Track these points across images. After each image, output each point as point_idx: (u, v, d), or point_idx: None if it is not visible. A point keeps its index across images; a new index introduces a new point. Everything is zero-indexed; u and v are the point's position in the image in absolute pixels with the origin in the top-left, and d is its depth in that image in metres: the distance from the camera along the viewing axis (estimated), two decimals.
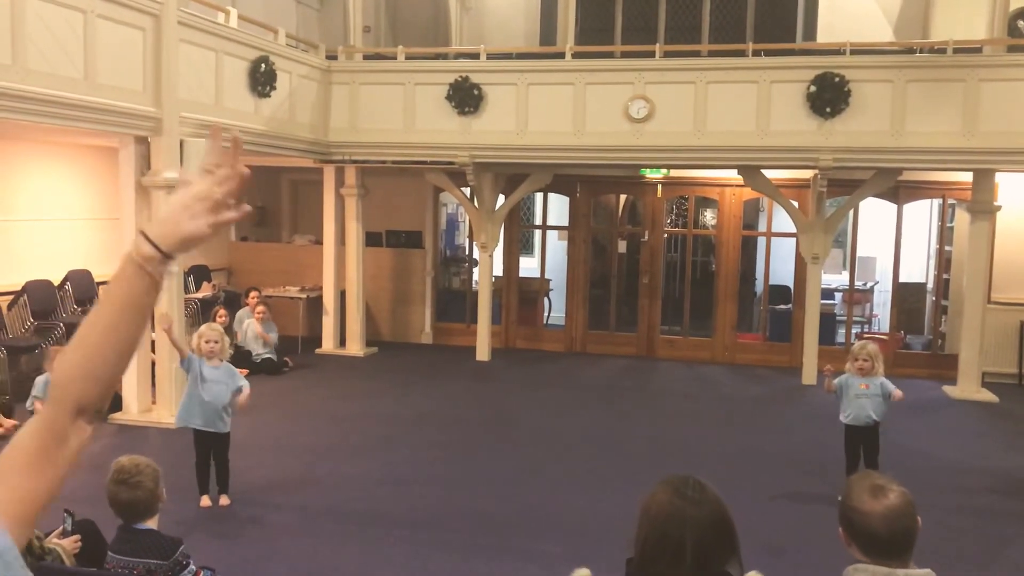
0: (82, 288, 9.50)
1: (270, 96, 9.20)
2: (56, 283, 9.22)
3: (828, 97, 9.19)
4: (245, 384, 5.78)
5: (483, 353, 11.14)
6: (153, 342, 7.87)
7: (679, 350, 11.66)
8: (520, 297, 12.28)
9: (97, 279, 9.75)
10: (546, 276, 12.55)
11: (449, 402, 8.92)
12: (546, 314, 12.77)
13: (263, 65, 9.00)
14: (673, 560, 1.96)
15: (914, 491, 2.23)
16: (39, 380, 7.38)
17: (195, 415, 5.65)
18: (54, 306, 9.10)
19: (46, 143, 9.27)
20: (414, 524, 5.48)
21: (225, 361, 5.77)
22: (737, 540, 2.04)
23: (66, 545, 3.51)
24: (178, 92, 7.69)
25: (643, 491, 2.14)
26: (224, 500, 5.75)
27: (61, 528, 3.66)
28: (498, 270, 12.03)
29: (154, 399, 7.83)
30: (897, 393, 5.86)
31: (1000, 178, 9.86)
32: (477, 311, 11.29)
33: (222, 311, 9.91)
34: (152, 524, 3.37)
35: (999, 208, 9.78)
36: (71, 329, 8.70)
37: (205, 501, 5.70)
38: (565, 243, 12.29)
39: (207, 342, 5.67)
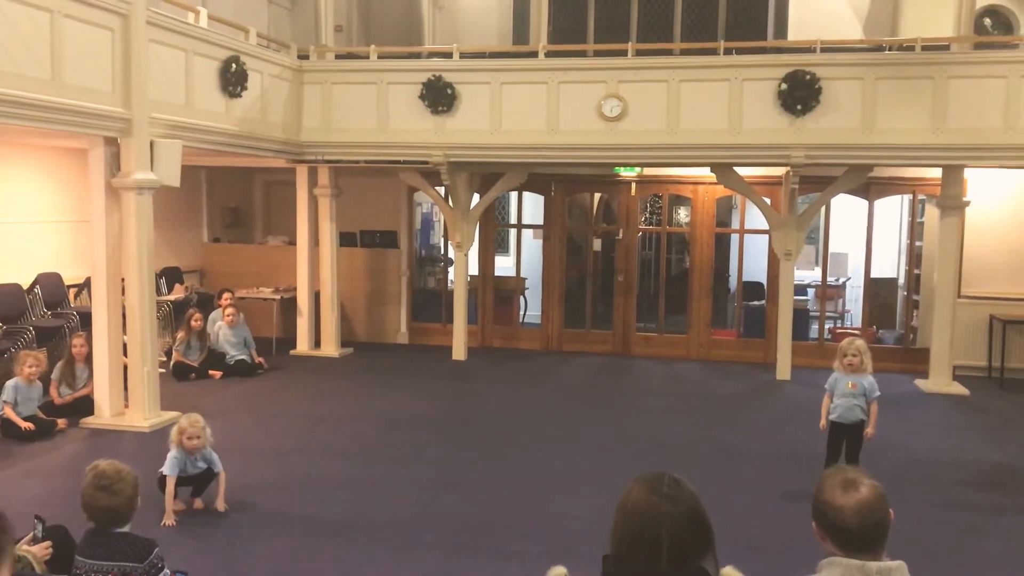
0: (52, 291, 9.38)
1: (241, 96, 9.13)
2: (25, 286, 9.09)
3: (799, 95, 9.26)
4: (219, 469, 5.72)
5: (459, 352, 11.12)
6: (125, 345, 7.80)
7: (654, 347, 11.71)
8: (496, 296, 12.28)
9: (67, 282, 9.64)
10: (522, 275, 12.56)
11: (426, 402, 8.89)
12: (522, 313, 12.78)
13: (234, 65, 8.93)
14: (650, 557, 1.97)
15: (887, 484, 2.24)
16: (8, 384, 7.31)
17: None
18: (23, 310, 8.98)
19: (13, 144, 9.14)
20: (392, 526, 5.46)
21: (205, 450, 5.65)
22: (713, 536, 2.05)
23: (36, 552, 3.46)
24: (148, 93, 7.61)
25: (620, 489, 2.15)
26: (199, 503, 5.71)
27: (31, 535, 3.61)
28: (474, 269, 12.02)
29: (127, 403, 7.75)
30: (870, 432, 6.02)
31: (969, 174, 9.99)
32: (453, 311, 11.28)
33: (197, 314, 9.84)
34: (124, 529, 3.34)
35: (968, 203, 9.92)
36: (40, 333, 8.62)
37: (178, 505, 5.65)
38: (540, 242, 12.30)
39: (189, 439, 5.52)
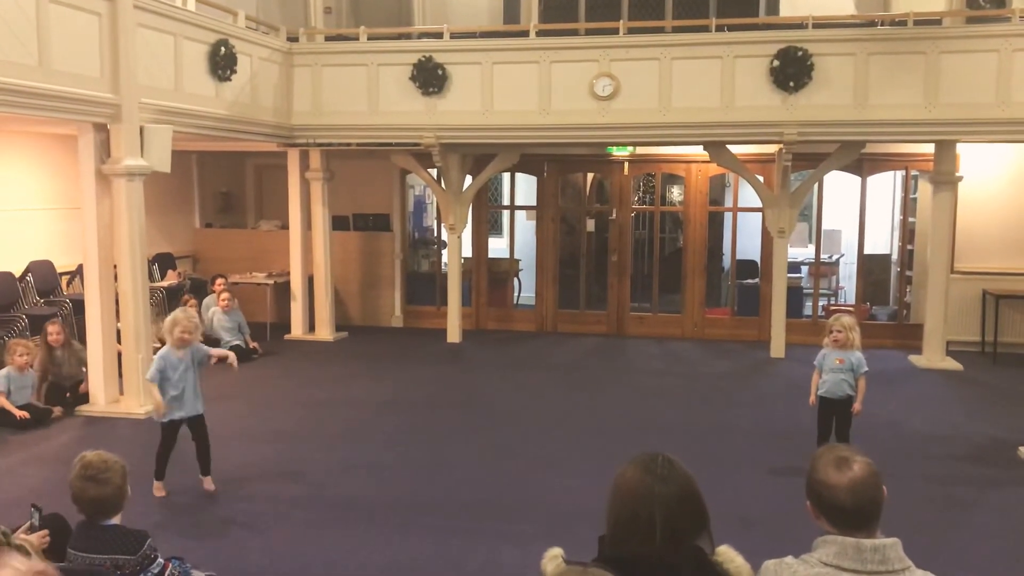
0: (44, 279, 9.36)
1: (231, 80, 9.07)
2: (17, 275, 9.06)
3: (791, 71, 9.23)
4: (208, 349, 5.72)
5: (454, 335, 11.12)
6: (119, 331, 7.78)
7: (649, 327, 11.72)
8: (490, 278, 12.27)
9: (59, 270, 9.61)
10: (515, 256, 12.54)
11: (421, 385, 8.90)
12: (516, 294, 12.77)
13: (223, 48, 8.86)
14: (644, 537, 1.98)
15: (881, 460, 2.25)
16: (0, 374, 7.29)
17: (177, 409, 5.59)
18: (15, 298, 8.95)
19: (2, 132, 9.08)
20: (389, 509, 5.48)
21: (194, 346, 5.64)
22: (707, 516, 2.06)
23: (34, 540, 3.46)
24: (137, 78, 7.56)
25: (615, 469, 2.15)
26: (209, 484, 5.66)
27: (29, 523, 3.61)
28: (467, 251, 11.99)
29: (121, 390, 7.74)
30: (857, 408, 6.01)
31: (961, 149, 9.98)
32: (447, 293, 11.27)
33: (191, 300, 9.82)
34: (116, 520, 3.32)
35: (961, 178, 9.91)
36: (33, 321, 8.59)
37: (160, 490, 5.57)
38: (533, 223, 12.28)
39: (184, 331, 5.52)
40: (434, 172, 11.07)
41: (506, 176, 12.32)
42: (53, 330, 7.88)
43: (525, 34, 10.19)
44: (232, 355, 5.87)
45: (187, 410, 5.60)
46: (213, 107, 8.84)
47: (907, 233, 11.30)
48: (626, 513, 2.02)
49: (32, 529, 3.58)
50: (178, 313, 5.73)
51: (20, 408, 7.18)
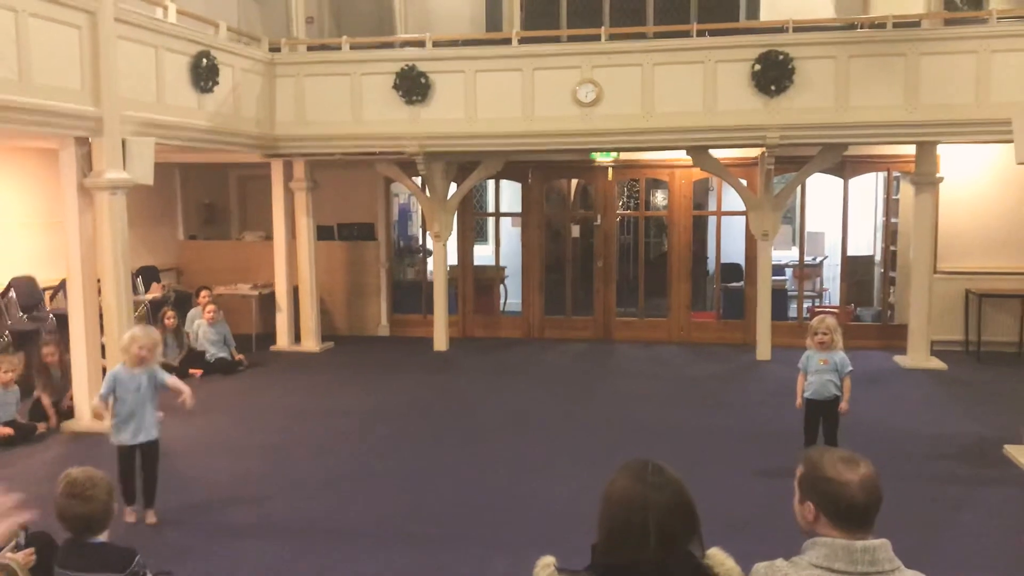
0: (27, 294, 9.28)
1: (213, 91, 9.03)
2: (0, 290, 9.00)
3: (773, 75, 9.28)
4: (165, 377, 5.43)
5: (441, 343, 11.11)
6: (103, 346, 7.73)
7: (635, 332, 11.74)
8: (476, 285, 12.26)
9: (42, 285, 9.54)
10: (501, 263, 12.55)
11: (409, 394, 8.88)
12: (502, 301, 12.77)
13: (204, 60, 8.83)
14: (638, 545, 1.98)
15: (869, 460, 2.26)
16: None
17: (127, 431, 5.32)
18: None
19: None
20: (378, 519, 5.46)
21: (152, 368, 5.38)
22: (698, 520, 2.06)
23: (20, 559, 3.43)
24: (118, 90, 7.52)
25: (605, 475, 2.15)
26: (151, 518, 5.32)
27: (14, 542, 3.57)
28: (453, 259, 11.99)
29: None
30: (844, 407, 6.06)
31: (942, 150, 10.06)
32: (433, 301, 11.26)
33: (170, 312, 9.77)
34: (103, 537, 3.29)
35: (942, 179, 9.99)
36: (16, 337, 8.52)
37: (130, 515, 5.30)
38: (519, 230, 12.28)
39: (140, 348, 5.25)
40: (418, 180, 11.07)
41: (491, 183, 12.33)
42: (48, 351, 7.80)
43: (508, 42, 10.21)
44: (188, 392, 5.48)
45: (141, 435, 5.31)
46: (195, 119, 8.81)
47: (890, 234, 11.37)
48: (619, 521, 2.02)
49: (18, 547, 3.54)
50: (136, 330, 5.46)
51: (4, 425, 7.12)
